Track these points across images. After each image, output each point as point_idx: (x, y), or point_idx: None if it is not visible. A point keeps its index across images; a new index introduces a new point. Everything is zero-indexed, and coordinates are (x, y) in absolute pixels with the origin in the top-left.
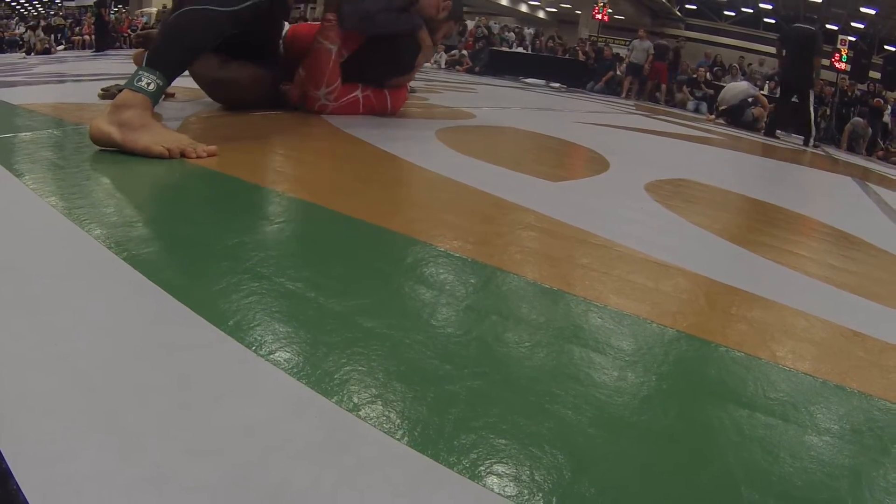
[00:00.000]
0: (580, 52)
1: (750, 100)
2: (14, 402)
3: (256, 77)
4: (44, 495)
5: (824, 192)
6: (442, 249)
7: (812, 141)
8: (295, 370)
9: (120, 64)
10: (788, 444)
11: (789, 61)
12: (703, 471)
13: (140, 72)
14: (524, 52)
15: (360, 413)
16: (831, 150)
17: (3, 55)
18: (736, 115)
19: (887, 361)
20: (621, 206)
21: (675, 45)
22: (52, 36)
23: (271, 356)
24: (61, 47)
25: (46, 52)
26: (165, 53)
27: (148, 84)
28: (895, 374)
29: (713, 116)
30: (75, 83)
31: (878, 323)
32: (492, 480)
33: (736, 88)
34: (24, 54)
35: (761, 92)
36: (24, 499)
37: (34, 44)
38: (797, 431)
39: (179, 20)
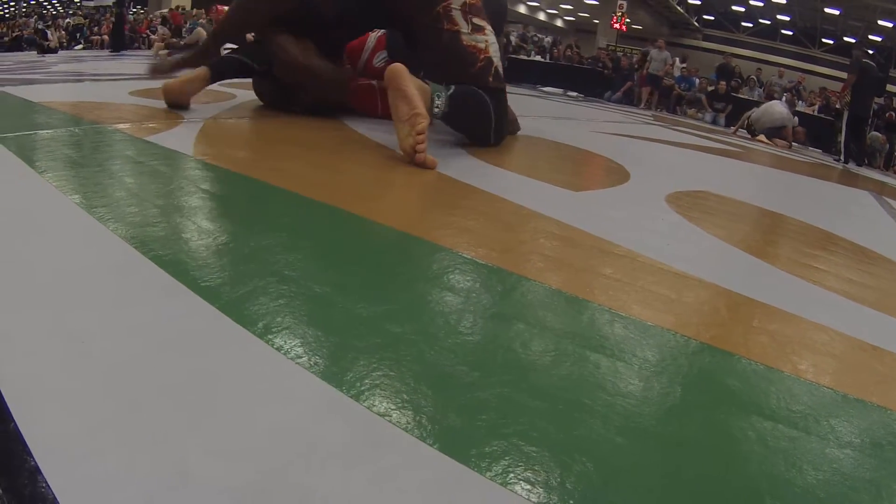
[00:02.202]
0: (606, 60)
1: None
2: (42, 400)
3: (337, 76)
4: (71, 493)
5: (843, 206)
6: (466, 256)
7: (847, 158)
8: (323, 374)
9: (138, 64)
10: (811, 456)
11: (863, 93)
12: (728, 481)
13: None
14: (542, 60)
15: (390, 417)
16: (849, 166)
17: (21, 53)
18: (770, 135)
19: None
20: (643, 217)
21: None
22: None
23: (300, 359)
24: (79, 46)
25: (53, 50)
26: None
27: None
28: None
29: (734, 131)
30: (94, 83)
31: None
32: (522, 487)
33: (773, 114)
34: (38, 53)
35: (796, 116)
36: (54, 496)
37: (51, 42)
38: (819, 444)
39: None
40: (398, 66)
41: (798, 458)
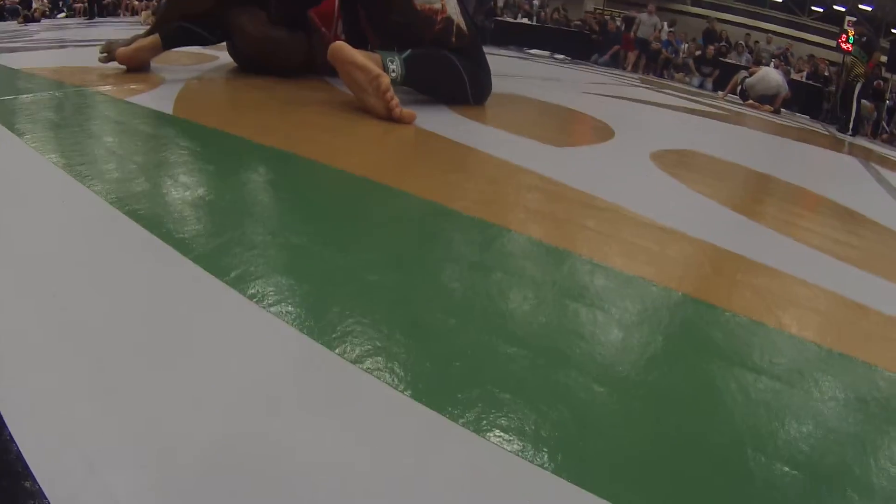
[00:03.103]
0: (593, 23)
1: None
2: (10, 352)
3: (300, 41)
4: (36, 445)
5: (829, 169)
6: (447, 208)
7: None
8: (296, 322)
9: (120, 30)
10: (794, 409)
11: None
12: (710, 431)
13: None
14: (529, 23)
15: (363, 365)
16: (835, 131)
17: (3, 22)
18: (763, 102)
19: (891, 334)
20: (627, 173)
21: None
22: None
23: (273, 308)
24: (62, 14)
25: (36, 19)
26: None
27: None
28: None
29: (723, 96)
30: (76, 49)
31: (881, 297)
32: (496, 435)
33: (769, 82)
34: (20, 22)
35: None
36: (17, 447)
37: (34, 11)
38: (803, 397)
39: None
40: (338, 43)
41: (781, 411)
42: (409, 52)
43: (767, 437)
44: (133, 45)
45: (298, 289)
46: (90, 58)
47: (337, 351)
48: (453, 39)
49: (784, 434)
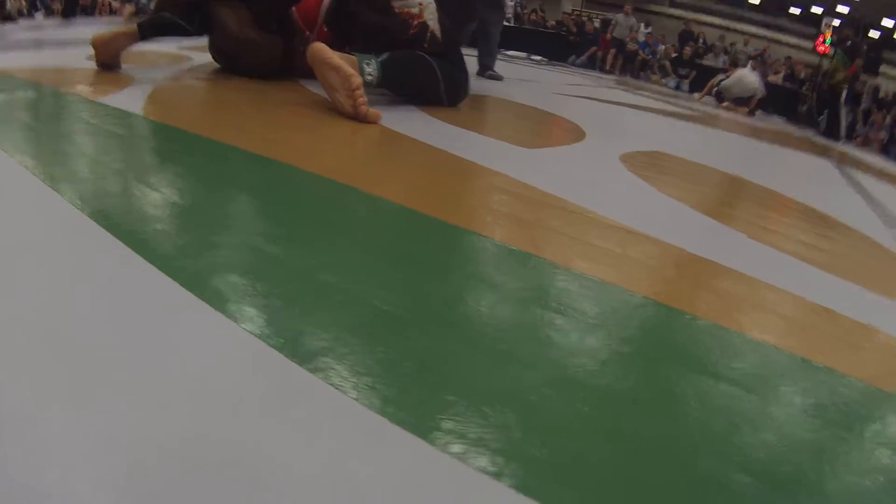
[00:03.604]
0: (571, 25)
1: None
2: None
3: (277, 45)
4: None
5: (801, 172)
6: (409, 209)
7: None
8: (249, 324)
9: (99, 30)
10: (751, 415)
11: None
12: (661, 436)
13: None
14: (506, 24)
15: (310, 367)
16: (811, 135)
17: None
18: (738, 104)
19: (855, 338)
20: (594, 175)
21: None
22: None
23: (227, 311)
24: (39, 14)
25: (12, 19)
26: None
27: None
28: (862, 351)
29: (700, 98)
30: (52, 49)
31: (847, 301)
32: (437, 437)
33: (745, 84)
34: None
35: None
36: None
37: (11, 10)
38: (760, 403)
39: None
40: (317, 44)
41: (737, 417)
42: (386, 55)
43: (721, 442)
44: (113, 31)
45: (254, 291)
46: (63, 58)
47: (284, 353)
48: (426, 45)
49: (739, 440)
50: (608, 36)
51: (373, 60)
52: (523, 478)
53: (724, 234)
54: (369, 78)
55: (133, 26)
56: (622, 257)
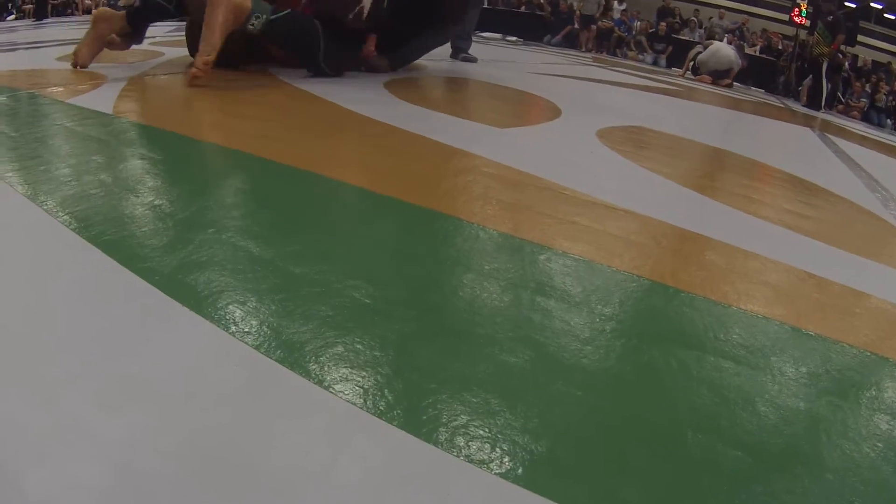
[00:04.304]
0: (545, 4)
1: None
2: None
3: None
4: None
5: (783, 142)
6: (382, 195)
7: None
8: (217, 318)
9: (74, 29)
10: (741, 387)
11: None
12: (647, 414)
13: None
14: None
15: (277, 358)
16: (790, 104)
17: None
18: (717, 77)
19: (845, 304)
20: (571, 151)
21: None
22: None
23: (194, 305)
24: (11, 17)
25: None
26: None
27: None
28: (853, 317)
29: (683, 73)
30: (24, 51)
31: (835, 266)
32: (416, 426)
33: (720, 57)
34: None
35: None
36: None
37: None
38: (750, 374)
39: None
40: None
41: (726, 390)
42: (284, 13)
43: (710, 417)
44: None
45: (222, 284)
46: (34, 59)
47: (250, 343)
48: (351, 19)
49: (729, 413)
50: (577, 13)
51: (263, 16)
52: (508, 464)
53: (705, 204)
54: (251, 27)
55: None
56: (600, 232)
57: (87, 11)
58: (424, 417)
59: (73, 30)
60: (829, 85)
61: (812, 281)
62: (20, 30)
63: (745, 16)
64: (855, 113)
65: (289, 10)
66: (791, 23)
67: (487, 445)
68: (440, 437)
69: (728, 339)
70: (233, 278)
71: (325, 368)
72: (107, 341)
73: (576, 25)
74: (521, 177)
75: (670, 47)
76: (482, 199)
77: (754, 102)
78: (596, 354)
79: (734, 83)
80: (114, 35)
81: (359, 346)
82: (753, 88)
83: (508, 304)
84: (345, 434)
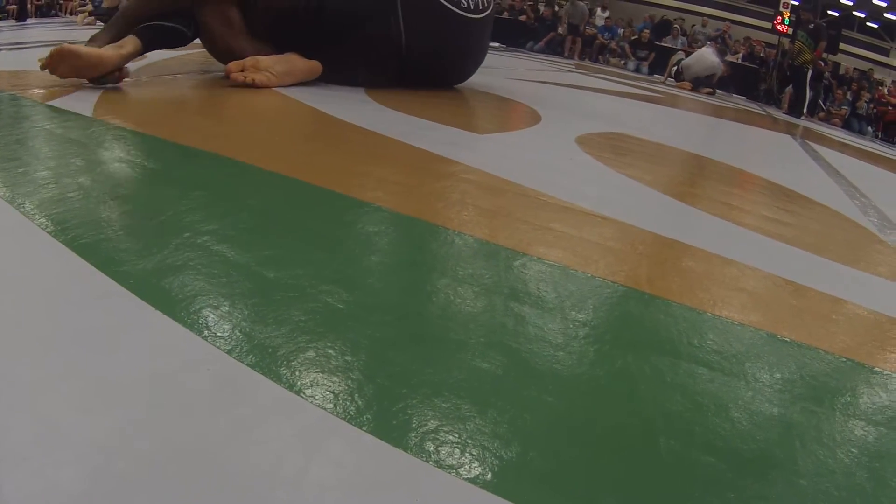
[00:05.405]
0: (528, 10)
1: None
2: None
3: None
4: None
5: (763, 148)
6: (360, 200)
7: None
8: (190, 323)
9: (56, 31)
10: (714, 393)
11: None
12: (619, 420)
13: None
14: None
15: (248, 363)
16: (772, 111)
17: None
18: (698, 84)
19: (822, 310)
20: (549, 158)
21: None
22: None
23: (168, 309)
24: None
25: None
26: None
27: None
28: (830, 323)
29: (665, 80)
30: (10, 52)
31: (811, 272)
32: (386, 431)
33: (706, 62)
34: None
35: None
36: None
37: None
38: (724, 381)
39: None
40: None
41: (699, 396)
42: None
43: (682, 423)
44: (122, 52)
45: (196, 289)
46: (15, 61)
47: (222, 348)
48: None
49: (702, 419)
50: (563, 25)
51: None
52: (477, 469)
53: (683, 211)
54: None
55: (136, 42)
56: (577, 239)
57: (72, 13)
58: (395, 422)
59: (55, 31)
60: (811, 92)
61: (789, 287)
62: (3, 31)
63: (728, 23)
64: (836, 120)
65: None
66: (774, 31)
67: (457, 451)
68: (410, 441)
69: (703, 345)
70: (207, 283)
71: (297, 373)
72: (81, 345)
73: (559, 31)
74: (499, 182)
75: (653, 54)
76: (459, 205)
77: (736, 109)
78: (569, 360)
79: (716, 91)
80: (126, 68)
81: (331, 352)
82: (735, 95)
83: (482, 310)
84: (316, 439)
